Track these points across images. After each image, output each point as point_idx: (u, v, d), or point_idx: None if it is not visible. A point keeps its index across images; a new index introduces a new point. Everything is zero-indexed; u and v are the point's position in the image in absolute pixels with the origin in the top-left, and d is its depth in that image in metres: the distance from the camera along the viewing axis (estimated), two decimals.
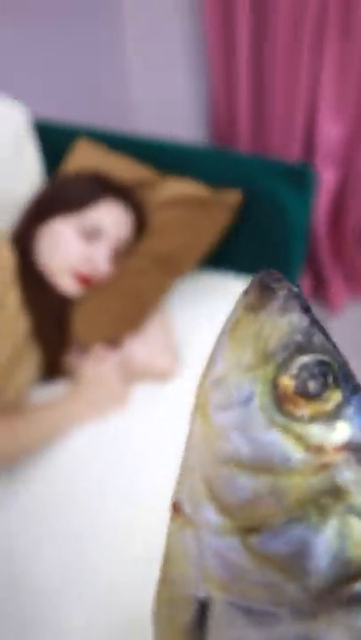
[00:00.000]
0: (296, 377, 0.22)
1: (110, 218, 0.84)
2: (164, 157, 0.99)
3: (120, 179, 0.89)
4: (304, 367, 0.22)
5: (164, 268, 0.90)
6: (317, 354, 0.22)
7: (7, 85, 0.95)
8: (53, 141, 1.03)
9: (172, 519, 0.23)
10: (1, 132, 0.93)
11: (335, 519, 0.21)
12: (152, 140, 1.02)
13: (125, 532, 0.66)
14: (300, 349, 0.22)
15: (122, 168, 0.94)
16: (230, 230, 0.97)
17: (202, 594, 0.23)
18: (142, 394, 0.83)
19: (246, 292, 0.23)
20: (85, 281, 0.84)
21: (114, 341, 0.86)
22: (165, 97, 1.24)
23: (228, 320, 0.23)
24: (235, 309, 0.23)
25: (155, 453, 0.74)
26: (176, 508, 0.23)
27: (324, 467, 0.21)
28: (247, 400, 0.22)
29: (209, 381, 0.23)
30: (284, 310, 0.22)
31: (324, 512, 0.21)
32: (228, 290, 0.96)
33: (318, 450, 0.21)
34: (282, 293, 0.22)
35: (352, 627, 0.21)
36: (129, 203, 0.87)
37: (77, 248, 0.82)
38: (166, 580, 0.24)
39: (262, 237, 0.99)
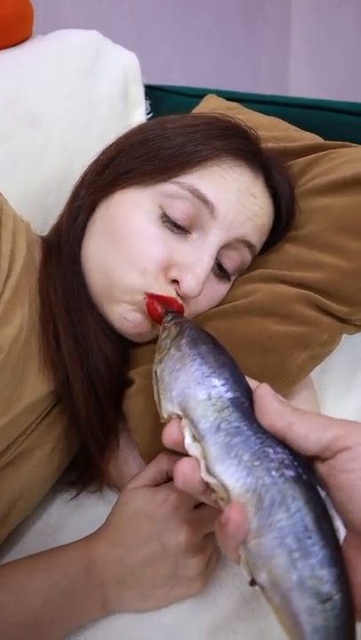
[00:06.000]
0: None
1: (226, 192, 0.46)
2: (326, 124, 0.68)
3: (262, 137, 0.52)
4: None
5: (322, 306, 0.48)
6: None
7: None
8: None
9: None
10: (109, 73, 0.78)
11: None
12: (313, 102, 0.72)
13: None
14: None
15: (269, 127, 0.61)
16: None
17: None
18: None
19: None
20: (158, 314, 0.44)
21: None
22: None
23: None
24: None
25: None
26: None
27: None
28: None
29: None
30: None
31: None
32: None
33: None
34: None
35: None
36: (266, 170, 0.49)
37: (157, 243, 0.45)
38: None
39: None
